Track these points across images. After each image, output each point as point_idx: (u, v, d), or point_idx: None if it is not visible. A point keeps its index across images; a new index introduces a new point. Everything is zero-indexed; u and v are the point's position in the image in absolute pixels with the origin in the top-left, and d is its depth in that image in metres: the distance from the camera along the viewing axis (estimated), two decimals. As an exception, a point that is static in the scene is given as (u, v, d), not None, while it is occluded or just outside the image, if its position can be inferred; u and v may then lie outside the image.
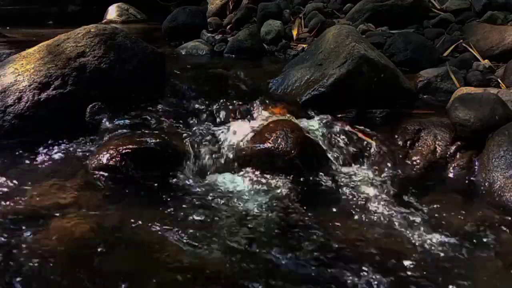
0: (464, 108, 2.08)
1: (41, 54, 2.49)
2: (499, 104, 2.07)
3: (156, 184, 1.99)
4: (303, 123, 2.29)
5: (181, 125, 2.33)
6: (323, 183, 2.03)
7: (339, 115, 2.36)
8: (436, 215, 1.81)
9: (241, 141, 2.18)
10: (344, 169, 2.13)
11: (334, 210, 1.85)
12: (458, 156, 2.10)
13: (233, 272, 1.48)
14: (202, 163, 2.13)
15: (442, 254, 1.59)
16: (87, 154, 2.17)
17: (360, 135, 2.25)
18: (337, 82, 2.40)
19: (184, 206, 1.85)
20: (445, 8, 3.63)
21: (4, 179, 2.00)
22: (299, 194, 1.94)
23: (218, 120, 2.39)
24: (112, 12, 5.24)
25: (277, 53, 3.55)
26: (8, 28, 4.56)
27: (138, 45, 2.63)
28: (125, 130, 2.25)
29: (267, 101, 2.48)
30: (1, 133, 2.30)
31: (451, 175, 2.07)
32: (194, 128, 2.31)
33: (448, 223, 1.75)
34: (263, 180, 2.03)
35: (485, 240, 1.66)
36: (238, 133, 2.23)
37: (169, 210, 1.81)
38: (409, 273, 1.50)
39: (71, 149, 2.23)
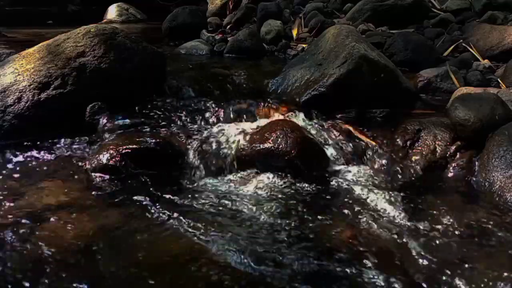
0: (464, 108, 2.08)
1: (41, 54, 2.49)
2: (499, 104, 2.08)
3: (156, 184, 1.99)
4: (303, 123, 2.29)
5: (181, 125, 2.33)
6: (322, 183, 2.03)
7: (339, 115, 2.36)
8: (436, 215, 1.80)
9: (241, 141, 2.18)
10: (344, 169, 2.13)
11: (334, 210, 1.85)
12: (458, 156, 2.10)
13: (233, 271, 1.48)
14: (202, 163, 2.13)
15: (441, 254, 1.58)
16: (87, 154, 2.17)
17: (359, 135, 2.25)
18: (337, 82, 2.40)
19: (184, 205, 1.85)
20: (445, 8, 3.63)
21: (4, 179, 2.00)
22: (299, 194, 1.94)
23: (218, 120, 2.39)
24: (112, 12, 5.25)
25: (277, 53, 3.55)
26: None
27: (138, 45, 2.63)
28: (125, 130, 2.26)
29: (267, 101, 2.48)
30: (1, 133, 2.31)
31: (451, 175, 2.07)
32: (194, 128, 2.31)
33: (448, 223, 1.75)
34: (263, 180, 2.02)
35: (485, 240, 1.65)
36: (238, 133, 2.23)
37: (169, 210, 1.81)
38: (407, 272, 1.50)
39: (71, 149, 2.23)
